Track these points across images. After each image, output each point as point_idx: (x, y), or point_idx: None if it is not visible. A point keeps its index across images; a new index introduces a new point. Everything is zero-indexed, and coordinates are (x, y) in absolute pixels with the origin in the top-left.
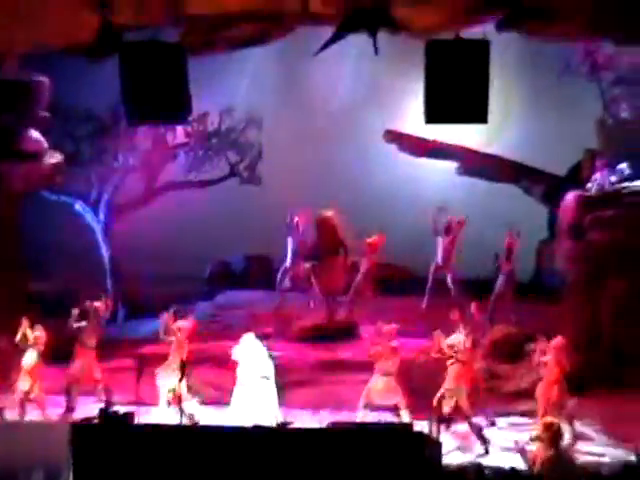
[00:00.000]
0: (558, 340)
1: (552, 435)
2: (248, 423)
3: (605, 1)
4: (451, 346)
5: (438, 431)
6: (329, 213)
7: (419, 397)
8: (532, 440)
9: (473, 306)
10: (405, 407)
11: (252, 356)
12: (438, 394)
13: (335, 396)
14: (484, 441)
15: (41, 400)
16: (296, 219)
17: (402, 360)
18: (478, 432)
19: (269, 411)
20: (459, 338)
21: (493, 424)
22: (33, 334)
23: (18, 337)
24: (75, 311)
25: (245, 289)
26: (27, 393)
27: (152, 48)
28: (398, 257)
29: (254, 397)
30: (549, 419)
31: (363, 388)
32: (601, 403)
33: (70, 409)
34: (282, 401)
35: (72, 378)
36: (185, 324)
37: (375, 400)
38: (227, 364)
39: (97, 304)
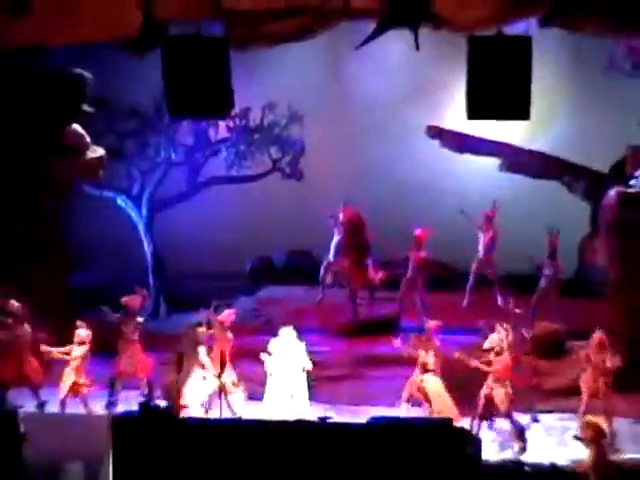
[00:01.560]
0: (598, 336)
1: (594, 435)
2: (278, 416)
3: None
4: (489, 349)
5: (479, 427)
6: (355, 209)
7: (461, 393)
8: (575, 439)
9: (512, 303)
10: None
11: (289, 350)
12: (481, 391)
13: (376, 391)
14: (523, 439)
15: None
16: (339, 216)
17: (445, 356)
18: (519, 429)
19: (300, 405)
20: (495, 338)
21: (536, 421)
22: (78, 332)
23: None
24: (105, 308)
25: (286, 285)
26: (74, 389)
27: (195, 42)
28: (440, 253)
29: (286, 390)
30: (592, 419)
31: (404, 383)
32: None
33: (112, 403)
34: (323, 396)
35: (116, 372)
36: (222, 317)
37: (415, 395)
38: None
39: (130, 298)
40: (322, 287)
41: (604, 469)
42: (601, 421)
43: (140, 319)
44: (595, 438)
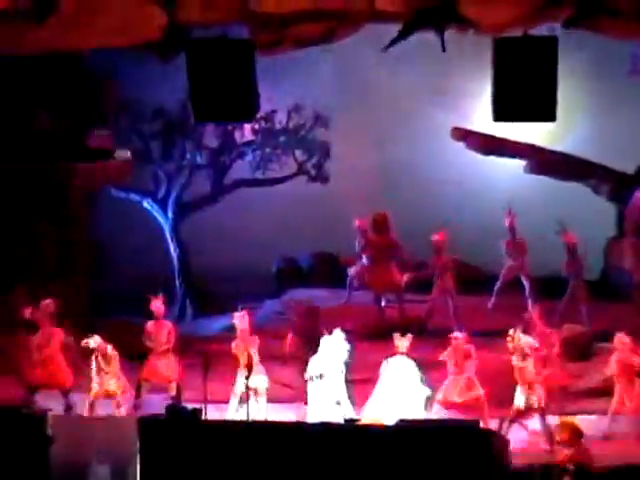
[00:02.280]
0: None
1: (571, 436)
2: (321, 418)
3: None
4: (521, 347)
5: (509, 429)
6: (383, 212)
7: (492, 395)
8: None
9: (536, 309)
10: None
11: (336, 353)
12: (516, 393)
13: None
14: (552, 441)
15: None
16: (357, 223)
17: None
18: (549, 431)
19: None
20: (528, 339)
21: None
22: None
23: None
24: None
25: (312, 287)
26: (104, 393)
27: (220, 45)
28: (467, 255)
29: (332, 396)
30: (567, 420)
31: (432, 386)
32: None
33: (136, 406)
34: (350, 398)
35: (142, 376)
36: (236, 319)
37: (449, 398)
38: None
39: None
40: (349, 289)
41: (582, 469)
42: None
43: (169, 323)
44: (572, 439)
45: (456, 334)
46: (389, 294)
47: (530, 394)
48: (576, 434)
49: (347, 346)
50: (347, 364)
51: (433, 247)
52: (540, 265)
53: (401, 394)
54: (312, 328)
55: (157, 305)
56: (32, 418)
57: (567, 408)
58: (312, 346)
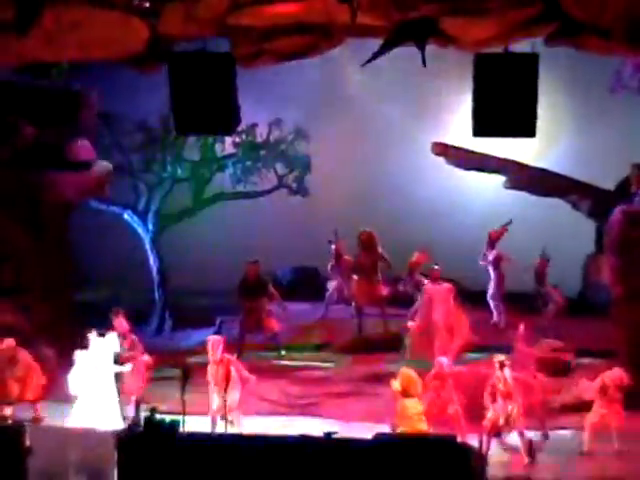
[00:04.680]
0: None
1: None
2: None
3: None
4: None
5: (489, 443)
6: (369, 230)
7: (471, 410)
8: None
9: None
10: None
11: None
12: (494, 407)
13: (382, 408)
14: (532, 455)
15: None
16: (333, 247)
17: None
18: (528, 446)
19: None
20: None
21: (546, 437)
22: None
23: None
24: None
25: (291, 300)
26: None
27: (201, 59)
28: (447, 271)
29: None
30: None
31: None
32: None
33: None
34: (328, 412)
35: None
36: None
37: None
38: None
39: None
40: (326, 303)
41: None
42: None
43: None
44: (407, 387)
45: (441, 359)
46: (372, 307)
47: (508, 409)
48: (410, 382)
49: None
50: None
51: (408, 266)
52: (517, 281)
53: None
54: None
55: (118, 322)
56: (10, 429)
57: (545, 423)
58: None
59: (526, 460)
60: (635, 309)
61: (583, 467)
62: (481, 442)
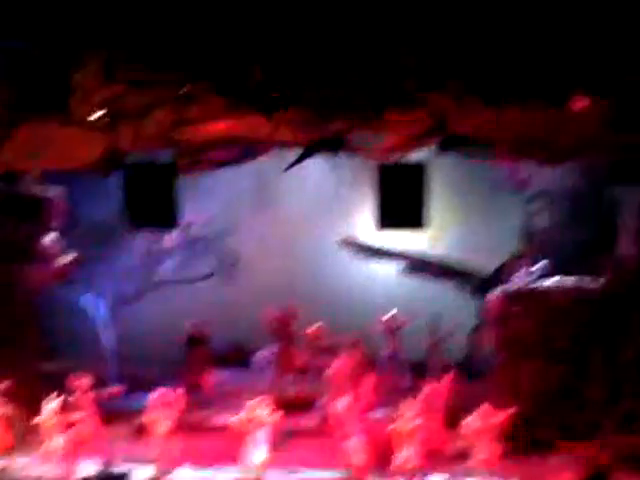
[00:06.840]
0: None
1: None
2: None
3: (527, 129)
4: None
5: None
6: (284, 312)
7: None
8: None
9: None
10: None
11: None
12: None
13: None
14: None
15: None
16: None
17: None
18: None
19: None
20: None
21: None
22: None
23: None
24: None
25: (224, 368)
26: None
27: (149, 168)
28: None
29: None
30: None
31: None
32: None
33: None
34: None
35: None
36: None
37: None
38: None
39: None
40: (256, 371)
41: None
42: None
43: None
44: None
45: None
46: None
47: (411, 455)
48: None
49: None
50: None
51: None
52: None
53: None
54: None
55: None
56: None
57: (438, 468)
58: None
59: None
60: (508, 374)
61: None
62: None
